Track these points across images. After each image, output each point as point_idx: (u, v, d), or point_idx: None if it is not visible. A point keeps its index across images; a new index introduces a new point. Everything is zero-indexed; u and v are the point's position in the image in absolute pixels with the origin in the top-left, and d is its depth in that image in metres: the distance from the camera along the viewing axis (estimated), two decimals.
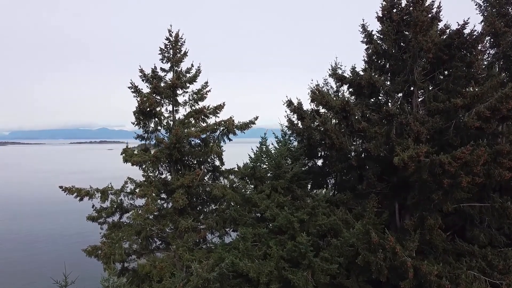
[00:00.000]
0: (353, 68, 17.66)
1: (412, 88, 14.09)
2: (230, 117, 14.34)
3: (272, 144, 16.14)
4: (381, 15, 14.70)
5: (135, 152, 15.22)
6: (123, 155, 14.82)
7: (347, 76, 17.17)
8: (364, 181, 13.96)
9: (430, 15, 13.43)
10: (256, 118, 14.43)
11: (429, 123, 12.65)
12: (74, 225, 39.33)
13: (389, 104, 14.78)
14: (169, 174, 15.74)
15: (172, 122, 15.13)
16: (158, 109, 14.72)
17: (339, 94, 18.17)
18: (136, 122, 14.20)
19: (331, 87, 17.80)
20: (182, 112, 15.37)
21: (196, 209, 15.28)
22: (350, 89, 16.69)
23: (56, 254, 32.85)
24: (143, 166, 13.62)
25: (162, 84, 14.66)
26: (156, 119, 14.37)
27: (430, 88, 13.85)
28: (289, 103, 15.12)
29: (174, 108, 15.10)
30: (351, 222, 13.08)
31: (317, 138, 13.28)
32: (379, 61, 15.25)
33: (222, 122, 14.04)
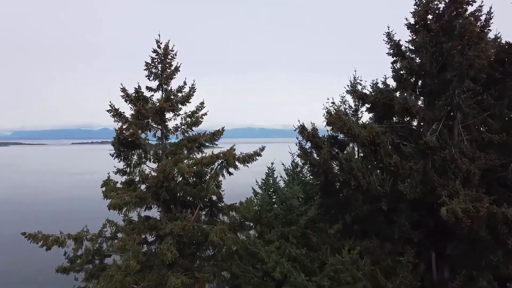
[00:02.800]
0: (375, 84, 15.08)
1: (453, 113, 11.51)
2: (231, 148, 11.77)
3: (280, 176, 13.59)
4: (413, 23, 12.13)
5: (118, 184, 12.72)
6: (103, 189, 12.32)
7: (369, 93, 14.64)
8: (395, 228, 11.38)
9: (479, 24, 10.82)
10: (263, 149, 11.84)
11: (481, 160, 10.05)
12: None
13: (422, 129, 12.19)
14: (158, 210, 13.23)
15: (161, 152, 12.59)
16: (143, 136, 12.23)
17: (358, 113, 15.60)
18: (115, 154, 11.64)
19: (350, 106, 15.21)
20: (173, 139, 12.84)
21: (190, 257, 12.70)
22: (374, 109, 14.14)
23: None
24: (124, 210, 11.05)
25: (149, 106, 12.12)
26: (140, 150, 11.82)
27: (477, 114, 11.22)
28: (302, 129, 12.51)
29: (164, 134, 12.54)
30: (382, 283, 10.49)
31: (340, 178, 10.68)
32: (410, 78, 12.65)
33: (221, 154, 11.46)
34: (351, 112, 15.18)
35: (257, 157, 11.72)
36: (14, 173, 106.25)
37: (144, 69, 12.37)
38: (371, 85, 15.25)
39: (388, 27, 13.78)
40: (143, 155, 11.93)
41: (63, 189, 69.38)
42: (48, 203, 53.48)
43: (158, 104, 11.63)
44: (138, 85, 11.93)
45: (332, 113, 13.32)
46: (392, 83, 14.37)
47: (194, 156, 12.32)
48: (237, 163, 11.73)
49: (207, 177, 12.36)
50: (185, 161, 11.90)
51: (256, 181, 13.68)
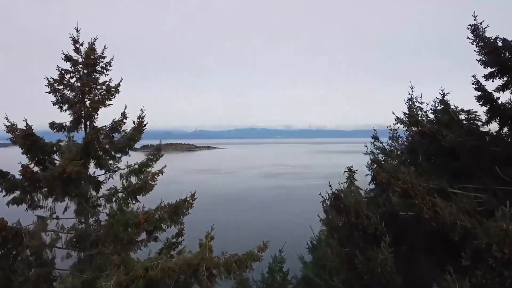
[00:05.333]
0: (445, 110, 9.50)
1: None
2: (206, 242, 6.08)
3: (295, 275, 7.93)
4: None
5: None
6: None
7: (426, 120, 9.02)
8: None
9: None
10: (266, 246, 6.18)
11: None
12: None
13: None
14: None
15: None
16: (45, 212, 6.66)
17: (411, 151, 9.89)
18: None
19: (401, 143, 9.52)
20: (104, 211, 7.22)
21: None
22: (450, 155, 8.49)
23: None
24: None
25: (50, 165, 6.50)
26: (26, 251, 6.17)
27: None
28: (336, 200, 6.92)
29: (84, 210, 6.90)
30: None
31: None
32: None
33: (185, 267, 5.78)
34: (406, 152, 9.51)
35: (252, 264, 6.02)
36: None
37: (48, 92, 6.77)
38: (432, 109, 9.69)
39: (475, 16, 8.16)
40: (33, 263, 6.26)
41: None
42: None
43: (61, 164, 5.95)
44: (27, 123, 6.26)
45: (384, 165, 7.63)
46: (466, 104, 8.82)
47: (137, 256, 6.66)
48: (214, 272, 6.07)
49: None
50: (119, 269, 6.26)
51: (253, 278, 8.06)
